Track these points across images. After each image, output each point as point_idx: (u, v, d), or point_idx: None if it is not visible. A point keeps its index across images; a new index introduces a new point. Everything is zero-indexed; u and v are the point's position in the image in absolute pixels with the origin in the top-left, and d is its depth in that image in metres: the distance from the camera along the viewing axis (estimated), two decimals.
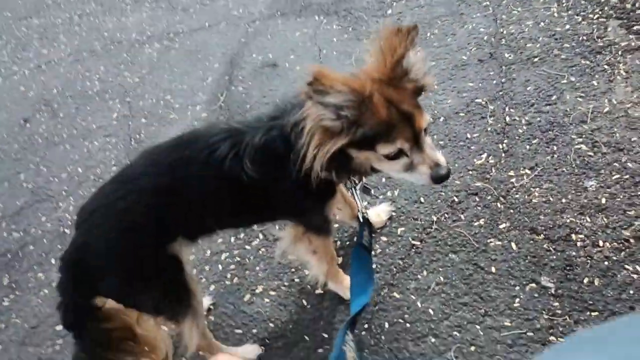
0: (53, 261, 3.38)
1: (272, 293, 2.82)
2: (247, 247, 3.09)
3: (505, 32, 3.90)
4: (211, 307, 2.82)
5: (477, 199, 2.94)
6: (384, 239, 2.90)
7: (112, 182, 2.16)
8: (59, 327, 2.97)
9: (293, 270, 2.89)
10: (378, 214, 2.95)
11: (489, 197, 2.93)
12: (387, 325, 2.54)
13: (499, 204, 2.88)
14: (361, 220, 2.29)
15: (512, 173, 3.00)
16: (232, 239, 3.15)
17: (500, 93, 3.47)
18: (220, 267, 3.03)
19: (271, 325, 2.68)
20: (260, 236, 3.12)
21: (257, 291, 2.85)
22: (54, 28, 6.21)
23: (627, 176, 2.78)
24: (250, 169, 2.01)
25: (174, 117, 4.30)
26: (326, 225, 2.38)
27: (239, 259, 3.04)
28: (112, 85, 4.91)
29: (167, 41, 5.28)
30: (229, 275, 2.97)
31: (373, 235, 2.35)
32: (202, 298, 2.39)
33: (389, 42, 1.75)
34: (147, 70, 4.96)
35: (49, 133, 4.55)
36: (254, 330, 2.68)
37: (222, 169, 2.03)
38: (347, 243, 2.97)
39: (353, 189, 2.27)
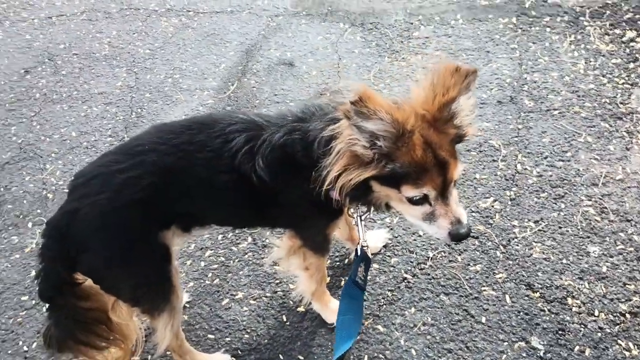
0: (30, 225, 3.22)
1: (252, 302, 2.70)
2: (234, 248, 2.97)
3: (528, 78, 3.85)
4: (187, 305, 2.70)
5: (477, 243, 2.87)
6: (376, 266, 2.80)
7: (116, 152, 2.03)
8: (25, 298, 2.82)
9: (278, 281, 2.78)
10: (374, 239, 2.86)
11: (489, 244, 2.86)
12: (366, 358, 2.44)
13: (498, 252, 2.81)
14: (359, 253, 2.18)
15: (515, 223, 2.93)
16: (220, 237, 3.03)
17: (515, 139, 3.41)
18: (202, 264, 2.91)
19: (246, 336, 2.56)
20: (249, 239, 3.00)
21: (237, 297, 2.73)
22: None
23: (632, 249, 2.73)
24: (261, 169, 1.90)
25: (180, 98, 4.16)
26: (324, 243, 2.29)
27: (223, 259, 2.92)
28: (122, 53, 4.75)
29: (185, 18, 5.14)
30: (210, 275, 2.85)
31: (369, 272, 2.24)
32: (182, 294, 2.27)
33: (444, 80, 1.66)
34: (159, 44, 4.81)
35: (48, 89, 4.38)
36: (228, 339, 2.56)
37: (233, 161, 1.92)
38: (338, 264, 2.87)
39: (358, 218, 2.17)
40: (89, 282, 2.06)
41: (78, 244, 1.91)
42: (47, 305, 2.08)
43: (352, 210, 2.18)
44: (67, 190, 2.03)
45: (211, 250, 2.97)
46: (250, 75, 4.31)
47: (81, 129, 3.93)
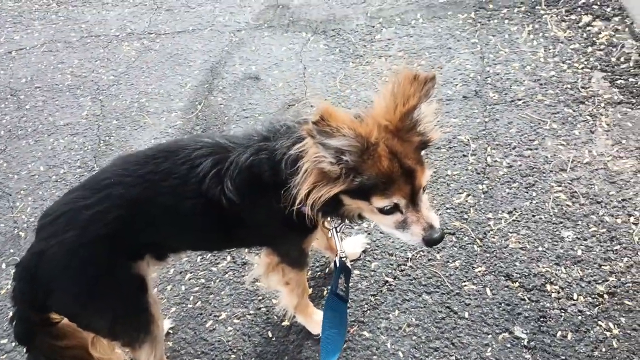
0: (4, 266, 3.16)
1: (236, 321, 2.69)
2: (214, 269, 2.95)
3: (491, 71, 3.91)
4: (170, 331, 2.67)
5: (454, 239, 2.89)
6: (357, 272, 2.81)
7: (81, 187, 2.02)
8: (4, 341, 2.77)
9: (260, 298, 2.77)
10: (352, 245, 2.87)
11: (466, 238, 2.88)
12: None
13: (475, 247, 2.84)
14: (337, 265, 2.19)
15: (490, 215, 2.97)
16: (198, 259, 3.01)
17: (483, 132, 3.45)
18: (183, 288, 2.88)
19: (233, 356, 2.55)
20: (228, 258, 2.99)
21: (221, 318, 2.71)
22: (29, 13, 5.94)
23: (604, 230, 2.78)
24: (230, 191, 1.90)
25: (148, 122, 4.14)
26: (302, 258, 2.29)
27: (203, 281, 2.90)
28: (85, 81, 4.71)
29: (147, 41, 5.11)
30: (191, 298, 2.83)
31: (350, 282, 2.25)
32: (163, 323, 2.24)
33: (403, 89, 1.67)
34: (123, 69, 4.78)
35: (12, 125, 4.32)
36: None
37: (200, 187, 1.91)
38: (319, 273, 2.87)
39: (334, 229, 2.18)
40: (65, 320, 2.03)
41: (47, 284, 1.89)
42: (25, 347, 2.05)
43: (327, 222, 2.19)
44: None
45: (191, 273, 2.95)
46: (216, 92, 4.30)
47: (49, 163, 3.88)
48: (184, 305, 2.80)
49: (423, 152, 1.86)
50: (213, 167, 1.93)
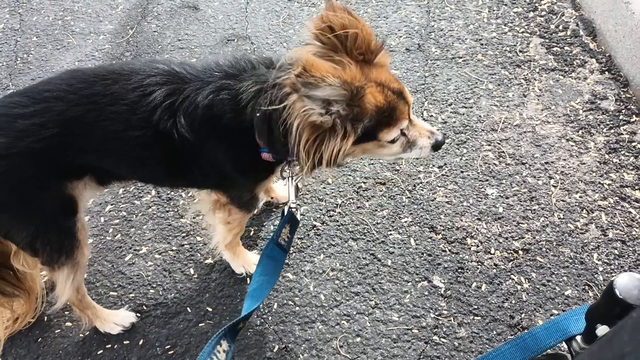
0: None
1: (158, 256, 2.60)
2: (136, 202, 2.82)
3: (435, 26, 3.89)
4: None
5: (384, 189, 2.92)
6: None
7: (21, 94, 1.84)
8: None
9: (184, 234, 2.69)
10: (284, 189, 2.82)
11: (396, 189, 2.92)
12: (275, 305, 2.44)
13: (404, 198, 2.88)
14: (285, 214, 2.13)
15: (421, 168, 3.01)
16: (121, 191, 2.86)
17: (422, 86, 3.46)
18: (102, 219, 2.74)
19: (152, 291, 2.47)
20: (153, 192, 2.86)
21: (141, 252, 2.62)
22: None
23: (525, 190, 2.90)
24: (182, 127, 1.78)
25: (72, 42, 3.82)
26: (252, 201, 2.23)
27: (125, 213, 2.77)
28: None
29: None
30: (111, 230, 2.70)
31: (294, 234, 2.22)
32: (88, 251, 2.13)
33: (341, 21, 1.65)
34: None
35: None
36: (132, 295, 2.46)
37: (150, 117, 1.79)
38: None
39: (290, 178, 2.12)
40: None
41: None
42: None
43: (283, 171, 2.12)
44: None
45: (112, 204, 2.80)
46: (151, 18, 4.02)
47: None
48: (102, 237, 2.68)
49: None
50: (166, 98, 1.80)
